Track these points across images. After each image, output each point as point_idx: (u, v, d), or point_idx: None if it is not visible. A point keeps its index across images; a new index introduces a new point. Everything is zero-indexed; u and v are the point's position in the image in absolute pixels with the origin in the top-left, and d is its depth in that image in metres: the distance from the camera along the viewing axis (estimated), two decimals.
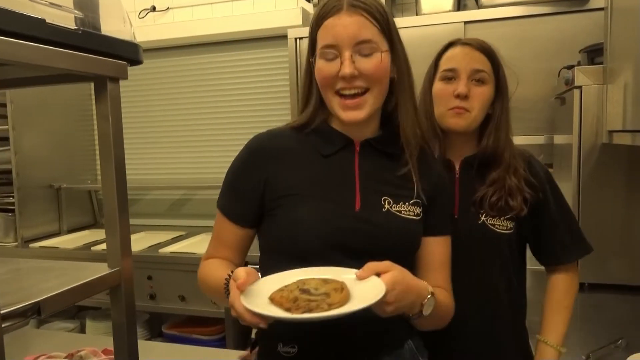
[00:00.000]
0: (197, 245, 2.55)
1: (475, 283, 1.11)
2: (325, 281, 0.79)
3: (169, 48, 2.93)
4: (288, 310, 0.73)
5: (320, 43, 0.91)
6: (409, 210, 0.94)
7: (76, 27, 0.71)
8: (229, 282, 0.84)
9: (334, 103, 0.92)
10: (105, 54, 0.77)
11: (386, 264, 0.81)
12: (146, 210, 3.13)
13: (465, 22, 2.16)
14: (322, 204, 0.91)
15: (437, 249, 0.98)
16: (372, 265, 0.80)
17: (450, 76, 1.11)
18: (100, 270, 0.78)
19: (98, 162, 3.14)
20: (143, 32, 2.78)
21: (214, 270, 0.95)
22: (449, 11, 2.23)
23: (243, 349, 2.28)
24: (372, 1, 0.91)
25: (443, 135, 1.15)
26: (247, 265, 1.01)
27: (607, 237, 1.69)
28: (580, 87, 1.67)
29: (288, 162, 0.96)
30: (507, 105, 1.14)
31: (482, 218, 1.11)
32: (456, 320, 1.08)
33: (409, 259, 0.95)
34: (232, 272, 0.85)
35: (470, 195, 1.13)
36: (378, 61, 0.90)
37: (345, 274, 0.81)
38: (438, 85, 1.14)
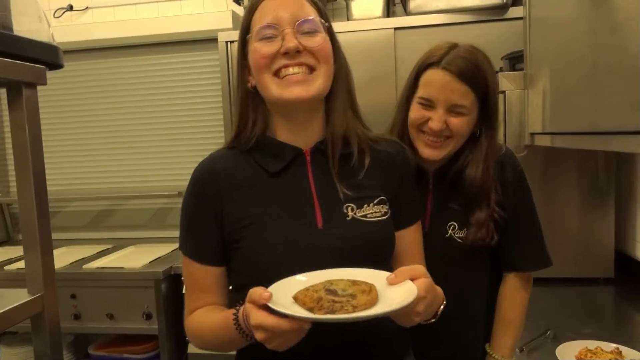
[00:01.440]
0: (126, 259, 2.41)
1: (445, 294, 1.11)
2: (354, 282, 0.73)
3: (88, 50, 2.76)
4: (311, 310, 0.68)
5: (257, 26, 0.84)
6: (375, 212, 0.88)
7: None
8: (237, 317, 0.77)
9: (273, 85, 0.84)
10: (20, 57, 0.70)
11: (420, 269, 0.75)
12: (67, 223, 2.92)
13: (395, 28, 2.21)
14: (285, 228, 0.85)
15: (412, 239, 0.96)
16: (405, 270, 0.75)
17: (427, 104, 1.02)
18: (19, 297, 0.69)
19: (11, 172, 2.92)
20: (59, 32, 2.59)
21: (209, 317, 0.87)
22: (379, 17, 2.28)
23: None
24: None
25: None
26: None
27: None
28: (504, 92, 1.76)
29: (240, 188, 0.88)
30: (497, 130, 1.06)
31: (450, 231, 1.09)
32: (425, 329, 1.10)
33: (387, 260, 0.91)
34: (236, 310, 0.78)
35: (441, 208, 1.09)
36: (323, 38, 0.85)
37: (377, 277, 0.76)
38: (415, 107, 1.05)
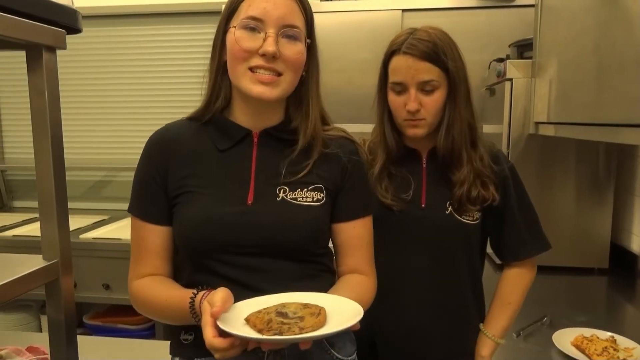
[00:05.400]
0: (122, 230, 2.41)
1: (440, 272, 1.13)
2: (306, 305, 0.79)
3: (88, 17, 2.70)
4: (260, 331, 0.72)
5: (244, 13, 0.86)
6: (307, 197, 0.91)
7: None
8: (194, 301, 0.82)
9: (245, 78, 0.87)
10: (41, 19, 0.68)
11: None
12: None
13: (403, 10, 2.19)
14: (213, 201, 0.89)
15: (354, 233, 0.97)
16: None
17: (399, 89, 1.09)
18: (34, 263, 0.69)
19: (5, 138, 2.88)
20: None
21: (162, 291, 0.90)
22: None
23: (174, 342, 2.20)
24: None
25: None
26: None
27: None
28: (511, 80, 1.75)
29: (184, 157, 0.93)
30: (462, 98, 1.09)
31: (450, 208, 1.11)
32: (419, 306, 1.13)
33: (314, 247, 0.93)
34: (196, 291, 0.83)
35: (437, 185, 1.13)
36: (300, 49, 0.89)
37: (331, 300, 0.81)
38: (391, 96, 1.11)
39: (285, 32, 0.86)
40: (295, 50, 0.88)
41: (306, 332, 0.72)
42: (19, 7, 0.64)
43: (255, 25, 0.85)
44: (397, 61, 1.08)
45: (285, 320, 0.74)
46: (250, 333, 0.72)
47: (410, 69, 1.06)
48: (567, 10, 1.50)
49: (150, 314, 0.94)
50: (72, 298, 0.73)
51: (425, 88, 1.07)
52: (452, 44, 1.10)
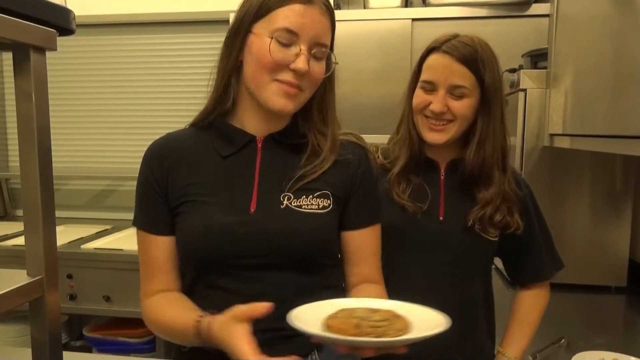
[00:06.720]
0: (125, 240, 2.36)
1: (458, 291, 1.08)
2: (373, 310, 0.73)
3: (97, 25, 2.69)
4: (355, 336, 0.67)
5: (279, 23, 0.84)
6: (312, 204, 0.89)
7: None
8: (200, 326, 0.80)
9: (269, 89, 0.85)
10: (29, 17, 0.64)
11: None
12: (66, 201, 2.86)
13: (413, 19, 2.15)
14: (214, 210, 0.87)
15: (363, 241, 0.95)
16: None
17: (429, 88, 1.05)
18: (18, 278, 0.64)
19: (10, 146, 2.86)
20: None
21: (168, 312, 0.88)
22: (397, 7, 2.21)
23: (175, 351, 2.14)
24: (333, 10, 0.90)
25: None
26: None
27: None
28: (525, 90, 1.70)
29: (185, 166, 0.91)
30: (497, 115, 1.05)
31: (470, 222, 1.07)
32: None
33: (321, 256, 0.90)
34: (200, 317, 0.80)
35: (457, 199, 1.08)
36: (323, 68, 0.89)
37: (378, 303, 0.77)
38: (417, 93, 1.07)
39: (316, 53, 0.86)
40: (320, 69, 0.88)
41: (403, 334, 0.67)
42: (4, 4, 0.60)
43: (289, 40, 0.84)
44: (434, 59, 1.04)
45: (372, 324, 0.69)
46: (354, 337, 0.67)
47: (445, 68, 1.02)
48: (583, 19, 1.45)
49: (162, 335, 0.92)
50: (58, 317, 0.68)
51: (454, 92, 1.02)
52: (494, 58, 1.06)
